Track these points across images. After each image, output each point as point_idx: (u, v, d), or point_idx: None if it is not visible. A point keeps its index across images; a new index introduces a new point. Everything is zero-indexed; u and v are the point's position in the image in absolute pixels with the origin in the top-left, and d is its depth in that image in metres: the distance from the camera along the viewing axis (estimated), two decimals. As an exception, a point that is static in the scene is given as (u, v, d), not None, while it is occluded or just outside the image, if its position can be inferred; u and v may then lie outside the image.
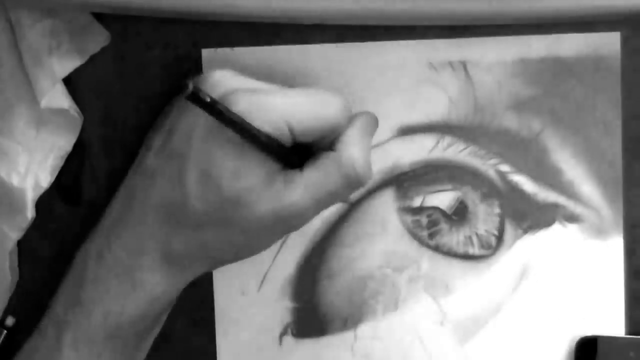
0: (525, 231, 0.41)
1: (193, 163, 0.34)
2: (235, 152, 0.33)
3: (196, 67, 0.41)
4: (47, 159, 0.40)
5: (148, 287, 0.35)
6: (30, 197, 0.40)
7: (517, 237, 0.41)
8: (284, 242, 0.42)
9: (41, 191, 0.40)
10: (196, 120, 0.34)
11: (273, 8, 0.37)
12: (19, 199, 0.40)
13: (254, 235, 0.35)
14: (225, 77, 0.35)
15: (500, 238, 0.41)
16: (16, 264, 0.41)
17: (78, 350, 0.35)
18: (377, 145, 0.41)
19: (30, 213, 0.40)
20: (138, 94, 0.41)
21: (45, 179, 0.40)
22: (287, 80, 0.40)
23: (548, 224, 0.41)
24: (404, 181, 0.41)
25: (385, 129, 0.41)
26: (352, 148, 0.34)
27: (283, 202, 0.33)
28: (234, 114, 0.32)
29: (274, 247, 0.41)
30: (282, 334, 0.42)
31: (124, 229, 0.35)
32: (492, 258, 0.41)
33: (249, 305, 0.42)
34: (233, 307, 0.42)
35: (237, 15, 0.38)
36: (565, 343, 0.41)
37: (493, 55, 0.40)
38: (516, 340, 0.41)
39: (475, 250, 0.41)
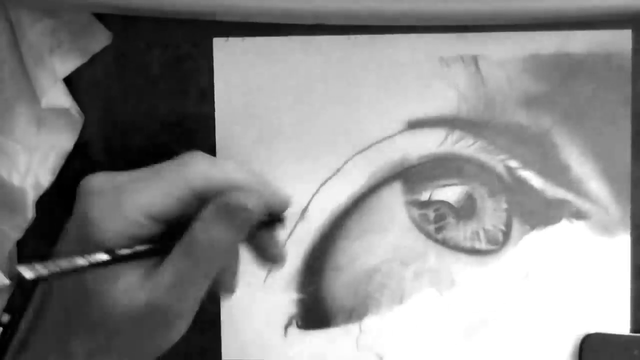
0: (533, 227, 0.41)
1: (54, 305, 0.33)
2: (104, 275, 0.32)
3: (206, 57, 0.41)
4: (48, 158, 0.40)
5: None
6: (31, 196, 0.40)
7: (524, 233, 0.41)
8: (290, 234, 0.42)
9: (41, 191, 0.40)
10: (70, 235, 0.33)
11: (273, 8, 0.37)
12: (19, 198, 0.40)
13: (134, 335, 0.33)
14: (90, 183, 0.33)
15: (507, 233, 0.41)
16: (15, 263, 0.41)
17: None
18: (386, 138, 0.41)
19: (30, 213, 0.40)
20: (138, 94, 0.41)
21: (46, 179, 0.40)
22: (295, 70, 0.40)
23: (555, 220, 0.41)
24: (412, 175, 0.41)
25: (394, 122, 0.41)
26: (199, 228, 0.32)
27: (147, 294, 0.32)
28: (71, 265, 0.31)
29: (281, 237, 0.41)
30: (287, 325, 0.42)
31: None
32: (498, 253, 0.41)
33: (255, 296, 0.42)
34: (239, 298, 0.42)
35: (237, 15, 0.37)
36: (570, 339, 0.41)
37: (504, 50, 0.40)
38: (521, 335, 0.41)
39: (482, 245, 0.41)
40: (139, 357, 0.35)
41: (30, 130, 0.40)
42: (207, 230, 0.32)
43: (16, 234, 0.40)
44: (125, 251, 0.32)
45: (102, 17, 0.40)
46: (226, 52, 0.40)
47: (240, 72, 0.41)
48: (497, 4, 0.37)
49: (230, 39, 0.40)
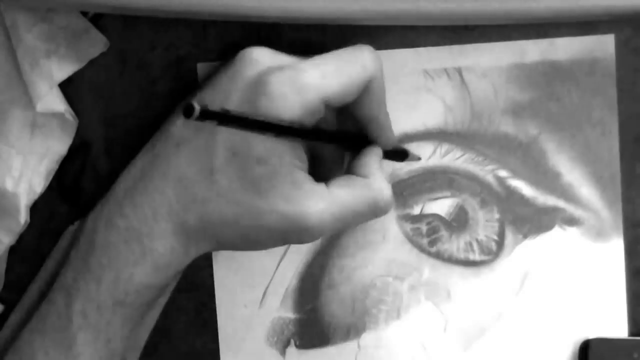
0: (525, 236, 0.41)
1: (221, 139, 0.34)
2: (264, 139, 0.33)
3: (194, 76, 0.41)
4: (41, 163, 0.40)
5: (157, 256, 0.35)
6: (24, 201, 0.40)
7: (517, 242, 0.41)
8: (284, 253, 0.42)
9: (35, 196, 0.40)
10: (228, 95, 0.34)
11: (273, 8, 0.37)
12: (12, 203, 0.40)
13: (262, 230, 0.34)
14: (262, 54, 0.35)
15: (500, 243, 0.41)
16: (4, 270, 0.41)
17: (87, 318, 0.35)
18: (374, 155, 0.41)
19: (23, 218, 0.40)
20: (138, 94, 0.41)
21: (39, 184, 0.40)
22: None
23: (548, 228, 0.41)
24: (403, 189, 0.41)
25: (382, 138, 0.41)
26: (381, 178, 0.36)
27: (301, 208, 0.33)
28: (253, 117, 0.31)
29: (275, 259, 0.41)
30: (286, 345, 0.42)
31: (140, 195, 0.35)
32: (493, 263, 0.41)
33: (252, 317, 0.42)
34: (236, 320, 0.42)
35: (237, 15, 0.37)
36: (569, 346, 0.42)
37: (488, 61, 0.40)
38: (519, 345, 0.41)
39: (475, 256, 0.41)
40: (237, 246, 0.36)
41: (24, 135, 0.40)
42: (384, 177, 0.36)
43: (8, 239, 0.40)
44: (294, 123, 0.32)
45: (102, 18, 0.40)
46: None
47: None
48: (485, 4, 0.37)
49: (215, 63, 0.40)
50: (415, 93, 0.41)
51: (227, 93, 0.34)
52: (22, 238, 0.41)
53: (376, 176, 0.36)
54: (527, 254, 0.41)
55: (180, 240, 0.35)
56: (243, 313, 0.42)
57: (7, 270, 0.42)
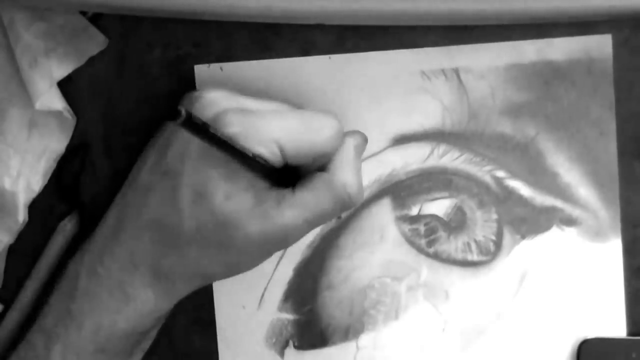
0: (524, 236, 0.41)
1: (186, 182, 0.34)
2: (228, 173, 0.33)
3: (191, 82, 0.41)
4: (39, 162, 0.40)
5: (139, 303, 0.35)
6: (22, 200, 0.40)
7: (515, 243, 0.41)
8: (282, 255, 0.42)
9: (33, 195, 0.40)
10: (190, 139, 0.34)
11: (273, 8, 0.37)
12: (11, 202, 0.40)
13: (245, 254, 0.35)
14: (220, 97, 0.35)
15: (498, 244, 0.41)
16: (3, 269, 0.41)
17: None
18: (372, 155, 0.41)
19: (21, 216, 0.40)
20: (138, 94, 0.41)
21: (37, 183, 0.40)
22: (279, 93, 0.40)
23: (546, 228, 0.41)
24: (400, 190, 0.41)
25: (380, 139, 0.41)
26: (346, 171, 0.35)
27: (274, 222, 0.34)
28: (226, 137, 0.32)
29: (273, 260, 0.41)
30: (284, 346, 0.42)
31: (117, 244, 0.35)
32: (491, 264, 0.41)
33: (250, 319, 0.42)
34: (235, 321, 0.42)
35: (237, 15, 0.37)
36: (567, 346, 0.41)
37: (485, 61, 0.40)
38: (517, 345, 0.41)
39: (474, 256, 0.41)
40: (225, 275, 0.36)
41: (22, 134, 0.40)
42: (351, 169, 0.35)
43: (7, 238, 0.41)
44: (259, 157, 0.33)
45: (101, 17, 0.40)
46: (208, 78, 0.40)
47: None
48: (484, 4, 0.37)
49: (212, 65, 0.40)
50: (413, 94, 0.41)
51: (190, 134, 0.34)
52: (21, 237, 0.41)
53: (340, 170, 0.35)
54: (525, 254, 0.41)
55: (161, 285, 0.35)
56: (242, 314, 0.42)
57: (6, 270, 0.42)
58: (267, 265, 0.41)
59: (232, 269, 0.36)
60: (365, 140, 0.38)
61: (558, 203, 0.41)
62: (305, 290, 0.42)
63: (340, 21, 0.39)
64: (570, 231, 0.41)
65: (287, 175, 0.36)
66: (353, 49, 0.40)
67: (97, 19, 0.40)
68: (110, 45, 0.41)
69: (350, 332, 0.42)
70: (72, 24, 0.40)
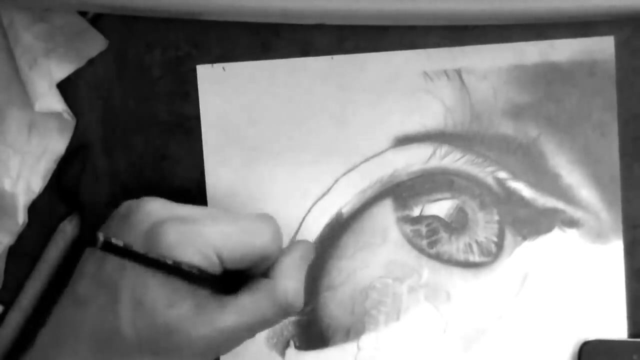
0: (525, 237, 0.41)
1: (125, 291, 0.33)
2: (168, 281, 0.33)
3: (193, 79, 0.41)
4: (39, 163, 0.40)
5: None
6: (22, 202, 0.40)
7: (517, 244, 0.41)
8: (284, 255, 0.42)
9: (33, 196, 0.40)
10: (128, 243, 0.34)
11: (273, 8, 0.37)
12: (11, 203, 0.40)
13: (189, 358, 0.34)
14: (155, 207, 0.35)
15: (500, 245, 0.41)
16: (3, 270, 0.41)
17: None
18: (374, 156, 0.41)
19: (21, 218, 0.40)
20: (138, 94, 0.41)
21: (37, 184, 0.40)
22: (282, 93, 0.40)
23: (547, 229, 0.41)
24: (402, 191, 0.41)
25: (382, 140, 0.41)
26: (286, 278, 0.35)
27: (216, 327, 0.34)
28: (155, 254, 0.32)
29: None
30: (285, 346, 0.42)
31: (57, 357, 0.35)
32: (492, 265, 0.41)
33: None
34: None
35: (237, 15, 0.37)
36: (568, 348, 0.41)
37: (487, 62, 0.40)
38: (519, 346, 0.41)
39: (475, 257, 0.41)
40: None
41: (22, 135, 0.40)
42: (293, 276, 0.36)
43: (7, 239, 0.40)
44: (192, 268, 0.33)
45: (101, 18, 0.40)
46: (210, 79, 0.40)
47: (225, 97, 0.41)
48: (486, 3, 0.37)
49: (215, 65, 0.40)
50: (415, 94, 0.41)
51: (128, 240, 0.34)
52: (21, 238, 0.41)
53: (280, 275, 0.35)
54: (527, 255, 0.41)
55: None
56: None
57: (6, 271, 0.42)
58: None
59: None
60: (311, 249, 0.39)
61: (560, 204, 0.41)
62: (306, 290, 0.41)
63: (341, 21, 0.39)
64: (571, 232, 0.41)
65: (233, 278, 0.35)
66: (353, 50, 0.40)
67: (97, 20, 0.40)
68: (110, 46, 0.41)
69: (351, 332, 0.42)
70: (71, 25, 0.39)
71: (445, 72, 0.41)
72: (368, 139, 0.41)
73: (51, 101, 0.39)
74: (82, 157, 0.41)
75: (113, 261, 0.34)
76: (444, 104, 0.41)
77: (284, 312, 0.36)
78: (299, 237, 0.41)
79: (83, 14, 0.40)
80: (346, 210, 0.41)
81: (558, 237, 0.41)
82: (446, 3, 0.37)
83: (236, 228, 0.35)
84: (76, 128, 0.41)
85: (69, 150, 0.41)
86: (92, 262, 0.35)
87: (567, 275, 0.41)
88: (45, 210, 0.42)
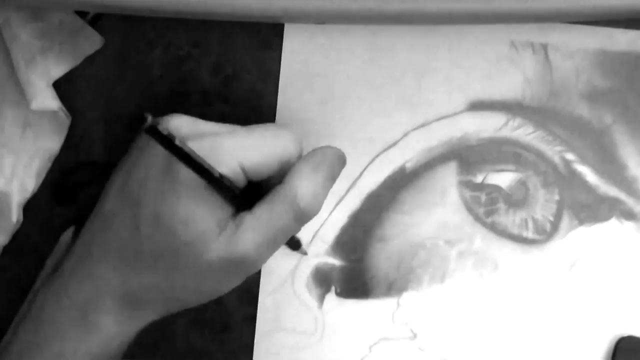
0: (582, 222, 0.41)
1: (146, 208, 0.34)
2: (188, 198, 0.33)
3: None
4: (33, 162, 0.40)
5: (102, 329, 0.35)
6: (16, 200, 0.40)
7: (572, 227, 0.41)
8: (340, 200, 0.42)
9: (27, 195, 0.40)
10: (152, 161, 0.34)
11: (273, 8, 0.37)
12: (4, 202, 0.40)
13: (209, 280, 0.35)
14: (182, 123, 0.35)
15: (555, 225, 0.41)
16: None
17: None
18: (447, 116, 0.41)
19: (15, 217, 0.40)
20: (138, 94, 0.41)
21: (31, 183, 0.40)
22: (381, 61, 0.41)
23: (605, 218, 0.41)
24: (469, 156, 0.41)
25: (457, 101, 0.41)
26: (298, 180, 0.34)
27: (234, 248, 0.33)
28: (190, 149, 0.32)
29: (330, 204, 0.41)
30: (327, 291, 0.42)
31: (81, 270, 0.35)
32: (544, 244, 0.41)
33: (298, 258, 0.42)
34: (279, 260, 0.42)
35: (237, 15, 0.37)
36: (606, 340, 0.41)
37: (576, 42, 0.40)
38: (556, 329, 0.41)
39: (529, 233, 0.41)
40: (189, 303, 0.36)
41: (16, 133, 0.40)
42: (306, 177, 0.34)
43: (1, 238, 0.40)
44: (224, 178, 0.33)
45: (101, 17, 0.40)
46: (296, 38, 0.41)
47: (305, 56, 0.41)
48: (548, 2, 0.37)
49: (302, 25, 0.40)
50: (499, 62, 0.41)
51: (153, 156, 0.34)
52: (18, 237, 0.41)
53: (293, 179, 0.34)
54: (580, 240, 0.41)
55: (125, 311, 0.35)
56: (289, 252, 0.42)
57: (5, 270, 0.42)
58: (323, 207, 0.41)
59: (199, 296, 0.36)
60: (338, 157, 0.36)
61: (622, 195, 0.41)
62: (356, 238, 0.42)
63: (341, 21, 0.39)
64: (629, 225, 0.41)
65: (255, 196, 0.35)
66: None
67: (97, 19, 0.40)
68: (110, 45, 0.41)
69: (393, 288, 0.42)
70: (68, 24, 0.39)
71: (532, 45, 0.41)
72: (443, 98, 0.41)
73: (47, 99, 0.39)
74: (88, 174, 0.41)
75: (137, 175, 0.34)
76: (525, 75, 0.41)
77: (297, 217, 0.34)
78: (359, 184, 0.41)
79: (84, 14, 0.40)
80: (410, 165, 0.41)
81: (614, 227, 0.41)
82: (458, 3, 0.36)
83: (256, 138, 0.35)
84: (76, 128, 0.41)
85: (68, 150, 0.41)
86: (118, 178, 0.36)
87: (617, 267, 0.41)
88: (41, 209, 0.41)
